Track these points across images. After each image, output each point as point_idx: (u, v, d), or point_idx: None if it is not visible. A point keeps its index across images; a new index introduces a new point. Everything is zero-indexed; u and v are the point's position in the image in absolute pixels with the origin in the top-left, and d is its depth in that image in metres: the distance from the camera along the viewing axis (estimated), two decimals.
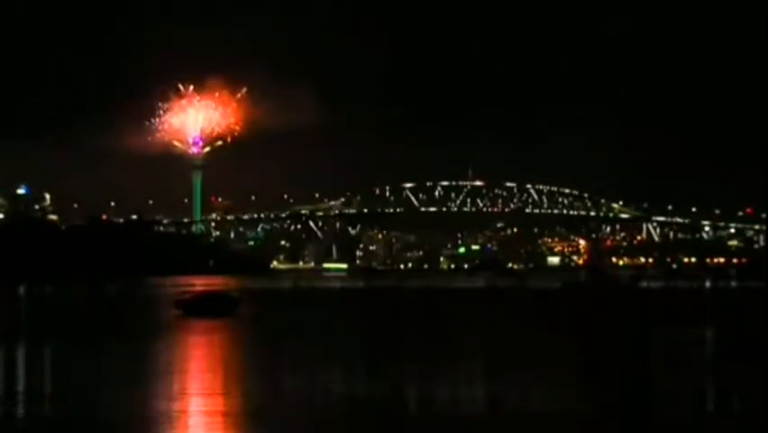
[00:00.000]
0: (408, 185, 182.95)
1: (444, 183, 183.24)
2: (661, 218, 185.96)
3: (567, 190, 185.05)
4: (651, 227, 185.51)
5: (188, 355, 23.27)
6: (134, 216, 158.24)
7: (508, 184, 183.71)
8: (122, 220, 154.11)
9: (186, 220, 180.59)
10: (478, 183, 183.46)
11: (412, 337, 28.11)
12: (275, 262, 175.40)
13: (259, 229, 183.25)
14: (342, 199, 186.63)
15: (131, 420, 13.88)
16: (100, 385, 17.57)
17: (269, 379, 18.35)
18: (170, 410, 14.47)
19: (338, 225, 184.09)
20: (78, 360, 21.95)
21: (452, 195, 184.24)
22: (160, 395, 16.16)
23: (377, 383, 17.70)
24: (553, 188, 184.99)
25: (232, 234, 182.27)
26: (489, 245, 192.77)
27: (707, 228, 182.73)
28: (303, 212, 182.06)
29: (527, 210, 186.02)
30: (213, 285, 62.60)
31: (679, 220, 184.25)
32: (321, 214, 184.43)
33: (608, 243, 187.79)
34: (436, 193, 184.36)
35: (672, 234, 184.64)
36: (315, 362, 21.19)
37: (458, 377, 18.66)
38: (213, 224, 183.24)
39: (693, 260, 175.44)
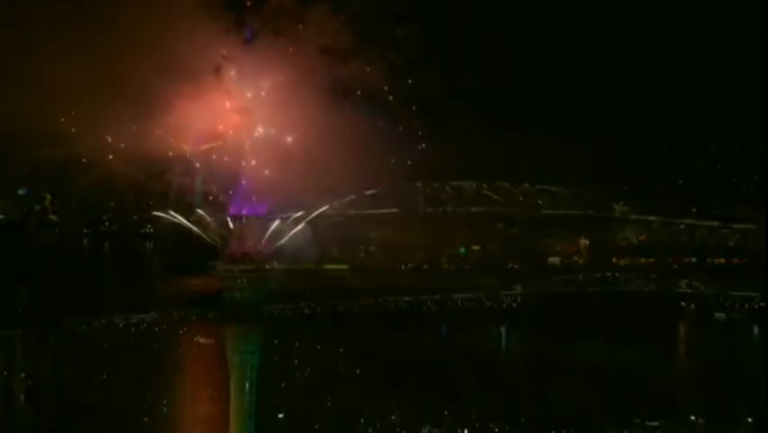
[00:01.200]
0: (407, 185, 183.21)
1: (444, 184, 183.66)
2: (662, 219, 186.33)
3: (568, 191, 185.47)
4: (652, 228, 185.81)
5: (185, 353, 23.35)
6: (134, 217, 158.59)
7: (508, 184, 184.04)
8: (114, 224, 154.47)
9: (191, 219, 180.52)
10: (476, 184, 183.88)
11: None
12: (275, 263, 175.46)
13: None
14: (344, 200, 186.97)
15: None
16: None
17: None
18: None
19: (338, 225, 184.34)
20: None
21: (452, 195, 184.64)
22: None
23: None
24: (554, 189, 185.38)
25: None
26: (489, 246, 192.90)
27: (706, 229, 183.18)
28: (302, 213, 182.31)
29: (528, 210, 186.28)
30: (212, 285, 62.78)
31: (678, 220, 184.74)
32: (329, 215, 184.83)
33: (609, 243, 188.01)
34: (436, 193, 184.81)
35: (672, 234, 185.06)
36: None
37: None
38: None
39: (694, 260, 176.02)
